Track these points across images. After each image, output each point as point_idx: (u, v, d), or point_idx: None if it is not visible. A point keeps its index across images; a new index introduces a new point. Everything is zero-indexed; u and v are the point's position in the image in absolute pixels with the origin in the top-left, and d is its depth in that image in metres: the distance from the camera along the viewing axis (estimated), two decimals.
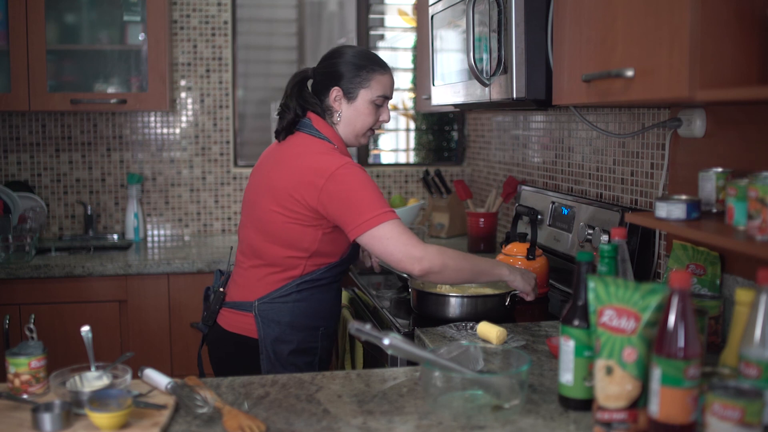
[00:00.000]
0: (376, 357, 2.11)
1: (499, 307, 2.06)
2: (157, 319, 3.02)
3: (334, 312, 2.10)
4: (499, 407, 1.37)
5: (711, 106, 1.82)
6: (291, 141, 2.01)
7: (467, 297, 2.03)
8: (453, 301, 2.03)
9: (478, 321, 1.98)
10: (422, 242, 1.88)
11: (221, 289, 2.07)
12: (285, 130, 2.02)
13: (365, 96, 2.01)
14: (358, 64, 2.01)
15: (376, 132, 2.09)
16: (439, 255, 1.87)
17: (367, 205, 1.86)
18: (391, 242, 1.85)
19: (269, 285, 1.99)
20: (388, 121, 2.08)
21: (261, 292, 1.99)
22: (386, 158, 4.12)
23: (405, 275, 2.28)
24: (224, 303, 2.05)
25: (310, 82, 2.08)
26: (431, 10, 2.66)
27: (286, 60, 3.87)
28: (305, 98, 2.03)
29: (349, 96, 2.01)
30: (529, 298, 2.06)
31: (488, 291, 2.15)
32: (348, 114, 2.02)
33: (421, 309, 2.10)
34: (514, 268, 2.04)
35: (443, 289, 2.15)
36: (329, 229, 1.94)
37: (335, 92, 2.01)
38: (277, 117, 2.06)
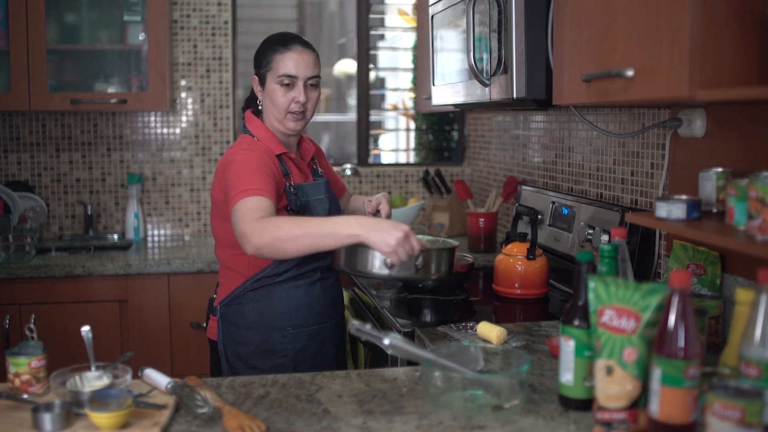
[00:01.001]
0: (376, 359, 2.11)
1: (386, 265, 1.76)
2: (158, 319, 3.02)
3: (315, 311, 2.01)
4: (499, 407, 1.37)
5: (711, 106, 1.82)
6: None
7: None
8: (377, 252, 1.73)
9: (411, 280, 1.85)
10: (257, 219, 1.70)
11: (213, 296, 2.08)
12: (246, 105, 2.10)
13: (271, 78, 1.97)
14: (264, 49, 1.99)
15: (296, 115, 1.97)
16: (264, 229, 1.67)
17: (237, 182, 1.79)
18: (236, 222, 1.73)
19: (227, 288, 2.00)
20: (302, 101, 1.95)
21: (222, 296, 2.01)
22: (386, 158, 4.12)
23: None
24: (210, 310, 2.08)
25: None
26: (431, 10, 2.66)
27: None
28: (253, 96, 2.06)
29: (263, 83, 2.00)
30: (393, 260, 1.67)
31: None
32: (264, 100, 2.01)
33: (346, 265, 1.83)
34: (368, 223, 1.67)
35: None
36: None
37: (254, 81, 2.03)
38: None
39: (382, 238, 1.63)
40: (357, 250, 1.78)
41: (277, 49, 1.96)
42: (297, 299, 1.98)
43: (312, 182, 2.04)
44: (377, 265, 1.77)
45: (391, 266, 1.74)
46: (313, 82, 1.99)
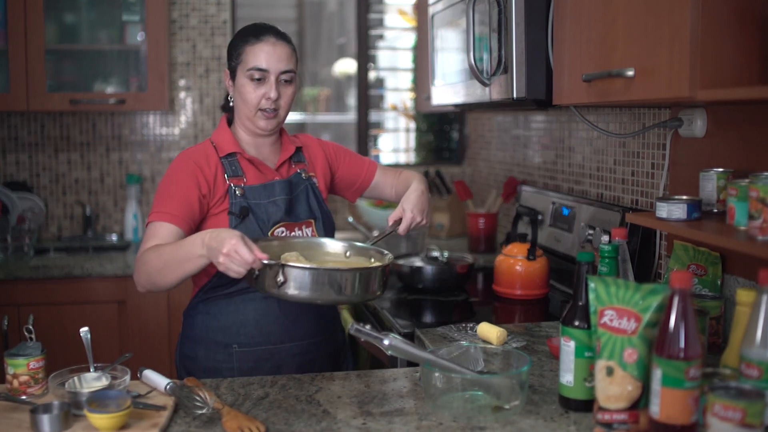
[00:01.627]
0: (376, 359, 2.10)
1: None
2: (157, 320, 3.02)
3: (264, 330, 1.80)
4: (499, 408, 1.37)
5: (711, 106, 1.82)
6: None
7: (310, 269, 1.52)
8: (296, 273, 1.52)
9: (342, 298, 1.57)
10: (140, 253, 1.67)
11: None
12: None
13: (241, 72, 1.80)
14: (234, 41, 1.84)
15: (272, 113, 1.82)
16: (140, 265, 1.66)
17: (154, 200, 1.75)
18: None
19: (189, 299, 1.91)
20: (273, 97, 1.79)
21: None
22: (386, 158, 4.11)
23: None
24: None
25: None
26: (431, 10, 2.65)
27: None
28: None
29: (233, 77, 1.84)
30: (231, 274, 1.50)
31: (352, 263, 1.75)
32: (235, 96, 1.85)
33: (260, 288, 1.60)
34: (206, 239, 1.52)
35: (290, 260, 1.58)
36: (187, 228, 1.73)
37: (225, 75, 1.87)
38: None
39: (215, 257, 1.49)
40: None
41: (248, 40, 1.80)
42: (246, 314, 1.80)
43: (266, 183, 1.83)
44: (270, 283, 1.51)
45: (281, 284, 1.49)
46: (287, 78, 1.81)
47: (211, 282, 1.79)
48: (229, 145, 1.83)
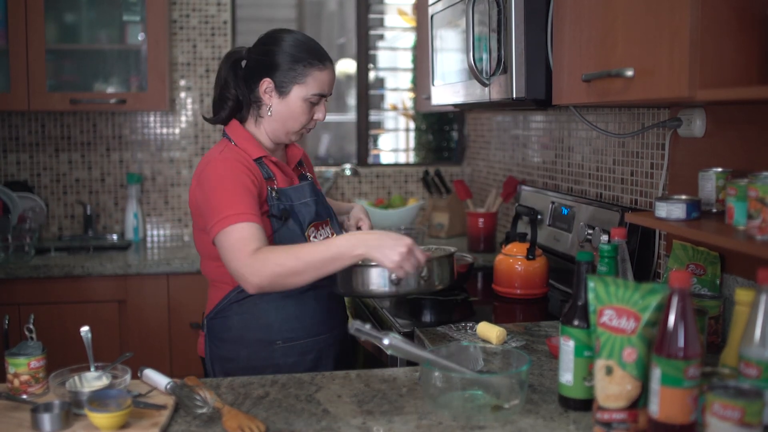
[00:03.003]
0: (376, 359, 2.10)
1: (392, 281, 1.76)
2: (157, 319, 3.02)
3: (309, 323, 1.85)
4: (499, 407, 1.37)
5: (711, 106, 1.82)
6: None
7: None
8: (374, 272, 1.75)
9: (409, 297, 1.84)
10: (251, 254, 1.61)
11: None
12: (227, 119, 1.88)
13: (299, 93, 1.80)
14: (294, 56, 1.79)
15: (311, 130, 1.91)
16: (263, 267, 1.60)
17: (216, 205, 1.68)
18: (227, 256, 1.65)
19: (213, 301, 1.87)
20: (323, 119, 1.86)
21: (208, 309, 1.88)
22: (386, 158, 4.11)
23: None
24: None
25: (244, 63, 1.88)
26: (431, 10, 2.66)
27: None
28: (238, 84, 1.85)
29: (281, 90, 1.80)
30: (399, 275, 1.65)
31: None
32: (279, 110, 1.82)
33: (344, 288, 1.83)
34: (370, 240, 1.63)
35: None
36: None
37: (266, 84, 1.80)
38: (214, 106, 1.89)
39: (386, 255, 1.60)
40: (352, 271, 1.74)
41: (315, 64, 1.80)
42: (286, 310, 1.83)
43: (296, 185, 1.89)
44: (380, 283, 1.73)
45: (397, 282, 1.71)
46: (326, 100, 1.89)
47: None
48: (256, 149, 1.83)
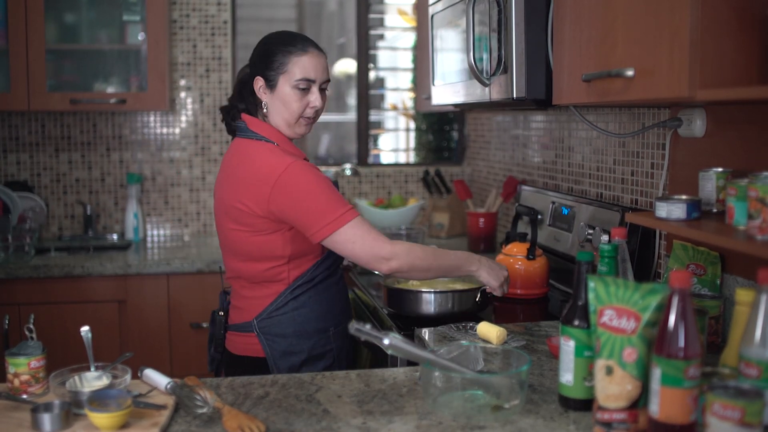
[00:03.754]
0: (376, 359, 2.10)
1: (471, 302, 2.02)
2: (157, 319, 3.02)
3: (344, 309, 2.01)
4: (499, 407, 1.37)
5: (711, 105, 1.82)
6: (234, 151, 1.91)
7: (438, 293, 2.00)
8: (426, 297, 2.00)
9: (452, 316, 1.98)
10: (388, 240, 1.82)
11: (220, 313, 1.99)
12: (228, 132, 1.97)
13: (285, 81, 1.86)
14: (273, 50, 1.87)
15: (314, 119, 1.96)
16: (406, 254, 1.83)
17: (323, 208, 1.78)
18: (356, 245, 1.79)
19: (262, 301, 1.90)
20: (319, 106, 1.90)
21: (257, 310, 1.90)
22: (386, 158, 4.12)
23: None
24: (228, 327, 1.98)
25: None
26: (431, 10, 2.66)
27: None
28: (245, 97, 1.94)
29: (271, 84, 1.88)
30: (497, 293, 2.01)
31: (458, 286, 2.10)
32: (273, 104, 1.89)
33: (392, 306, 2.08)
34: (484, 261, 1.99)
35: (413, 285, 2.10)
36: (293, 231, 1.84)
37: (258, 82, 1.89)
38: (231, 118, 1.96)
39: (495, 276, 1.98)
40: (407, 296, 2.02)
41: (292, 51, 1.86)
42: (331, 299, 1.96)
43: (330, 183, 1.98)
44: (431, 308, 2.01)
45: (480, 302, 2.03)
46: (325, 86, 1.93)
47: (301, 278, 1.89)
48: (296, 150, 1.91)
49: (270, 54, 1.88)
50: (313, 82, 1.88)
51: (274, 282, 1.89)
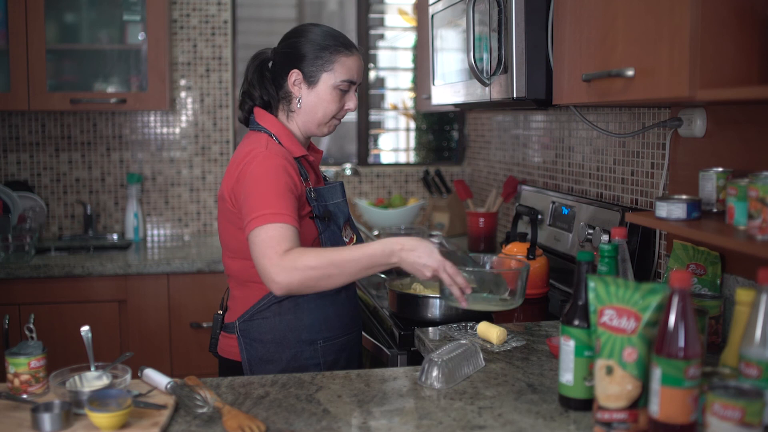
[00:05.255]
0: (376, 359, 2.11)
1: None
2: (157, 319, 3.02)
3: (346, 323, 1.87)
4: (504, 300, 1.76)
5: (711, 105, 1.82)
6: (240, 144, 1.84)
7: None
8: (431, 302, 1.99)
9: (456, 321, 1.97)
10: (280, 255, 1.57)
11: (219, 312, 1.91)
12: (243, 121, 1.89)
13: (328, 80, 1.79)
14: (320, 44, 1.79)
15: (342, 120, 1.91)
16: (293, 270, 1.56)
17: (255, 202, 1.64)
18: (256, 253, 1.60)
19: (247, 301, 1.80)
20: (354, 109, 1.85)
21: (240, 311, 1.81)
22: (386, 158, 4.11)
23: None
24: (221, 327, 1.89)
25: (271, 65, 1.89)
26: (431, 10, 2.66)
27: None
28: (264, 83, 1.85)
29: (310, 80, 1.79)
30: (455, 291, 1.66)
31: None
32: (309, 100, 1.81)
33: (399, 310, 2.07)
34: (405, 244, 1.63)
35: (418, 290, 2.10)
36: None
37: (294, 75, 1.80)
38: (239, 107, 1.89)
39: (425, 258, 1.62)
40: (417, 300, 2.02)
41: (341, 51, 1.79)
42: (325, 309, 1.82)
43: (330, 185, 1.89)
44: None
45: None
46: (356, 89, 1.87)
47: None
48: (298, 148, 1.82)
49: (316, 49, 1.79)
50: (354, 84, 1.83)
51: (259, 282, 1.75)
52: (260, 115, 1.84)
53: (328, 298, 1.83)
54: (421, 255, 1.61)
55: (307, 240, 1.76)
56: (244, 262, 1.77)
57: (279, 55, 1.85)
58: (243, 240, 1.71)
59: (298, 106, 1.82)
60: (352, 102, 1.84)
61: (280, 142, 1.79)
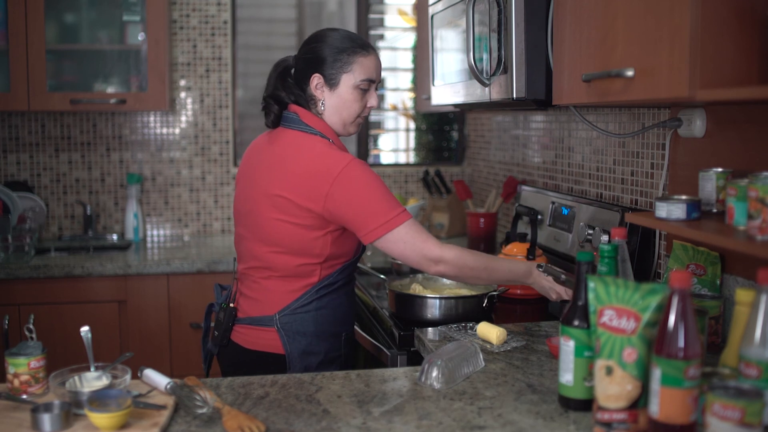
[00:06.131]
0: (376, 359, 2.11)
1: (477, 309, 2.04)
2: (157, 320, 3.02)
3: (353, 315, 2.00)
4: None
5: (711, 105, 1.82)
6: (281, 141, 1.86)
7: (444, 298, 2.02)
8: (430, 302, 2.02)
9: (456, 322, 1.99)
10: (438, 243, 1.82)
11: (231, 305, 1.91)
12: (274, 123, 1.90)
13: (348, 81, 1.86)
14: (338, 47, 1.86)
15: (366, 118, 1.97)
16: (455, 259, 1.82)
17: (377, 209, 1.77)
18: (407, 246, 1.79)
19: (287, 296, 1.85)
20: (376, 106, 1.93)
21: (280, 305, 1.85)
22: (386, 158, 4.11)
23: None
24: (237, 319, 1.90)
25: (293, 72, 1.94)
26: (431, 10, 2.66)
27: None
28: (289, 89, 1.91)
29: (331, 83, 1.87)
30: (553, 298, 1.98)
31: (464, 292, 2.13)
32: (332, 102, 1.88)
33: (398, 310, 2.09)
34: (535, 272, 1.97)
35: (417, 290, 2.14)
36: (338, 232, 1.83)
37: (316, 79, 1.87)
38: (263, 112, 1.92)
39: (547, 291, 1.98)
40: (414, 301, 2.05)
41: (358, 51, 1.87)
42: (348, 304, 1.95)
43: None
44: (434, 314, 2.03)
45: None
46: (377, 87, 1.95)
47: (328, 279, 1.87)
48: (345, 149, 1.91)
49: (335, 52, 1.86)
50: (374, 82, 1.91)
51: (303, 278, 1.85)
52: (307, 116, 1.88)
53: (348, 295, 1.95)
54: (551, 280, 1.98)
55: (354, 241, 1.89)
56: (296, 259, 1.83)
57: (300, 62, 1.91)
58: (306, 238, 1.81)
59: (323, 108, 1.89)
60: (373, 99, 1.92)
61: (333, 143, 1.87)
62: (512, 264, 1.95)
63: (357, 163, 1.79)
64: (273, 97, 1.90)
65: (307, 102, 1.90)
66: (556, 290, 1.95)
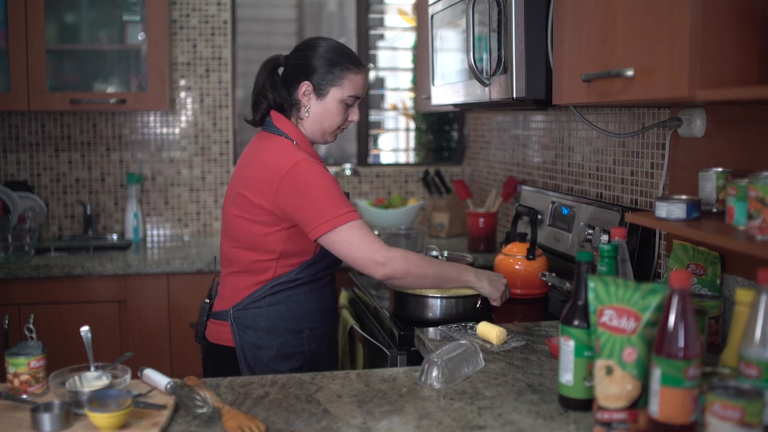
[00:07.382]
0: (375, 359, 2.11)
1: (477, 309, 2.03)
2: (157, 319, 3.02)
3: (325, 313, 2.01)
4: None
5: (711, 105, 1.82)
6: (254, 143, 1.97)
7: (444, 298, 2.01)
8: (430, 302, 2.01)
9: (456, 322, 1.99)
10: (385, 245, 1.84)
11: (206, 300, 2.03)
12: (260, 120, 1.99)
13: (336, 94, 1.94)
14: (332, 60, 1.93)
15: (345, 130, 2.05)
16: (402, 261, 1.84)
17: (325, 206, 1.81)
18: (353, 246, 1.81)
19: (242, 291, 1.93)
20: (356, 120, 2.01)
21: (235, 300, 1.94)
22: (386, 158, 4.11)
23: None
24: (210, 314, 2.01)
25: (281, 70, 2.00)
26: (431, 10, 2.66)
27: None
28: (276, 90, 1.96)
29: (319, 92, 1.93)
30: (495, 304, 2.01)
31: (464, 292, 2.10)
32: (316, 111, 1.95)
33: (398, 310, 2.09)
34: (481, 272, 1.99)
35: (417, 290, 2.10)
36: (293, 229, 1.87)
37: (305, 86, 1.93)
38: (252, 109, 1.99)
39: (493, 286, 1.99)
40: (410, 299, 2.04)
41: (350, 68, 1.94)
42: (313, 302, 1.97)
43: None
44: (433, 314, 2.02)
45: (481, 309, 2.03)
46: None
47: (285, 276, 1.91)
48: (314, 153, 1.97)
49: (329, 64, 1.93)
50: (359, 99, 1.98)
51: (258, 274, 1.91)
52: (279, 120, 1.96)
53: (315, 291, 1.97)
54: (493, 277, 2.00)
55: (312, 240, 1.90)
56: (250, 254, 1.91)
57: (291, 65, 1.97)
58: (261, 234, 1.86)
59: (307, 114, 1.96)
60: (355, 114, 1.99)
61: (299, 145, 1.92)
62: (459, 268, 1.97)
63: (308, 161, 1.84)
64: (262, 96, 1.97)
65: (291, 105, 1.97)
66: (498, 295, 1.99)
